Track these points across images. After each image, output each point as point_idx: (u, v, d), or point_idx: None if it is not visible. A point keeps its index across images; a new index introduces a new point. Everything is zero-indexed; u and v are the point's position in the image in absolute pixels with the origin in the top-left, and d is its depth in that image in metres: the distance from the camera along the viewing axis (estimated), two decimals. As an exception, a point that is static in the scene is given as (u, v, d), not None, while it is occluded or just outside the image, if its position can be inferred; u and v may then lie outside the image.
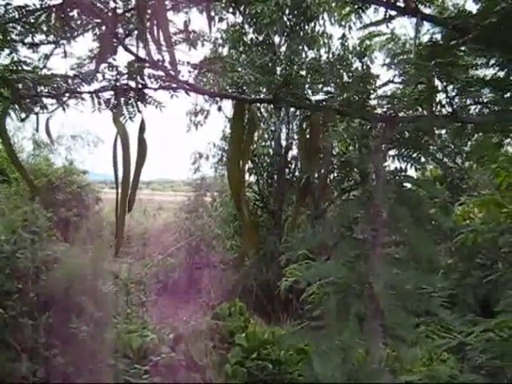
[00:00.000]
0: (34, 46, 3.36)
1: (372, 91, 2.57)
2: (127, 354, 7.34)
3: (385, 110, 2.45)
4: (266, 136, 13.37)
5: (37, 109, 3.81)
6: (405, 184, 2.20)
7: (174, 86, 2.85)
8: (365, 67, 13.06)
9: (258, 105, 13.72)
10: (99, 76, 2.94)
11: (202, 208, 16.59)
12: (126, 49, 2.75)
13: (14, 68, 3.04)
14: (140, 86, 2.89)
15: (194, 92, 2.82)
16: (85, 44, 3.22)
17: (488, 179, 8.11)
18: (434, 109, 2.59)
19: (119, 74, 2.88)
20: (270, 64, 11.42)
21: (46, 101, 3.72)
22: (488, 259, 8.66)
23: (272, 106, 13.49)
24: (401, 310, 1.88)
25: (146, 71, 2.84)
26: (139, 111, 2.96)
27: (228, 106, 13.81)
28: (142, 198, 22.04)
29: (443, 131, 3.41)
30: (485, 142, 3.75)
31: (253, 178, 13.82)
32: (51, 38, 3.32)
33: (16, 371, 5.93)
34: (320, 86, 2.93)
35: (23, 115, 3.86)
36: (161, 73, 2.83)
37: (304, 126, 2.87)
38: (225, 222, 13.89)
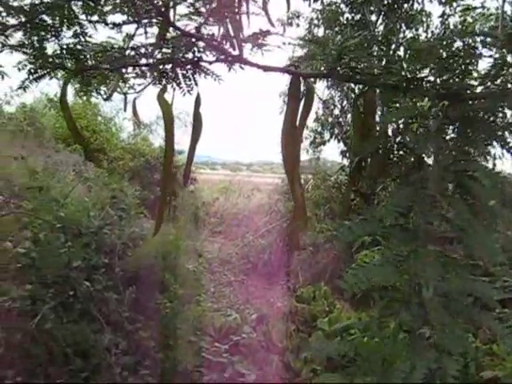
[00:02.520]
0: (116, 26, 3.39)
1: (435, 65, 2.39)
2: (209, 332, 7.43)
3: (448, 86, 2.27)
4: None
5: (125, 89, 3.87)
6: (469, 172, 1.99)
7: (230, 59, 2.77)
8: (466, 46, 12.46)
9: (353, 85, 13.46)
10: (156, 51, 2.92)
11: (295, 190, 16.51)
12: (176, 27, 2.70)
13: (78, 40, 3.06)
14: (196, 58, 2.84)
15: (249, 65, 2.73)
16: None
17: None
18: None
19: (175, 47, 2.84)
20: (366, 44, 11.11)
21: (133, 81, 3.77)
22: None
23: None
24: (451, 322, 1.72)
25: (202, 44, 2.79)
26: (196, 84, 2.91)
27: (321, 87, 13.63)
28: (240, 180, 22.27)
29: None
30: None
31: (346, 161, 13.60)
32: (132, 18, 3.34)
33: (99, 343, 6.11)
34: (418, 67, 2.76)
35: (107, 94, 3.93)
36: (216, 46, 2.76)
37: (358, 103, 2.72)
38: (316, 205, 13.75)
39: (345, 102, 13.32)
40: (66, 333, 5.93)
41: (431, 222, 1.88)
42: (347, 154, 13.43)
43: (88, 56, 3.12)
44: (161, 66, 2.98)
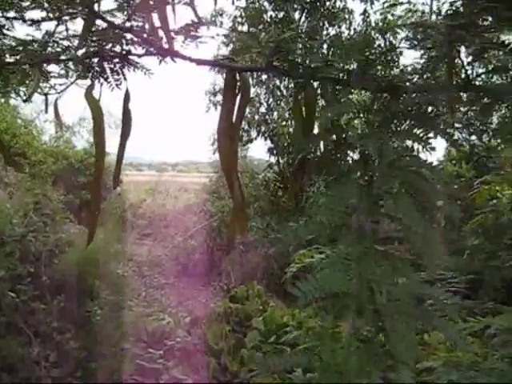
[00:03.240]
0: (35, 22, 3.19)
1: (376, 58, 2.34)
2: (142, 338, 7.24)
3: (390, 79, 2.22)
4: (287, 115, 13.11)
5: (46, 89, 3.66)
6: (413, 168, 1.93)
7: (161, 52, 2.64)
8: (387, 43, 12.71)
9: (278, 83, 13.49)
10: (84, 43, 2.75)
11: (223, 189, 16.46)
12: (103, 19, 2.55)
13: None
14: (124, 51, 2.69)
15: (180, 58, 2.60)
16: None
17: (515, 157, 7.81)
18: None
19: (102, 39, 2.68)
20: (289, 42, 11.13)
21: (54, 81, 3.57)
22: (516, 239, 8.40)
23: (292, 83, 13.28)
24: (404, 328, 1.65)
25: (130, 36, 2.64)
26: (125, 79, 2.77)
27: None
28: (167, 180, 22.00)
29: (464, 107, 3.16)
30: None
31: (273, 159, 13.63)
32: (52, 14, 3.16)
33: (27, 356, 5.85)
34: (340, 64, 2.70)
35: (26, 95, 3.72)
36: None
37: (299, 97, 2.64)
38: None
39: (271, 100, 13.32)
40: (-10, 348, 5.64)
41: (377, 221, 1.81)
42: (274, 152, 13.44)
43: (5, 51, 2.91)
44: (87, 60, 2.81)
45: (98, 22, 2.64)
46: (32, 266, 6.54)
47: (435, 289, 1.88)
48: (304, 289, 1.65)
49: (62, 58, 2.87)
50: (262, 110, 13.58)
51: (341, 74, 2.42)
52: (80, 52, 2.80)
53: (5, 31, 2.99)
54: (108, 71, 2.76)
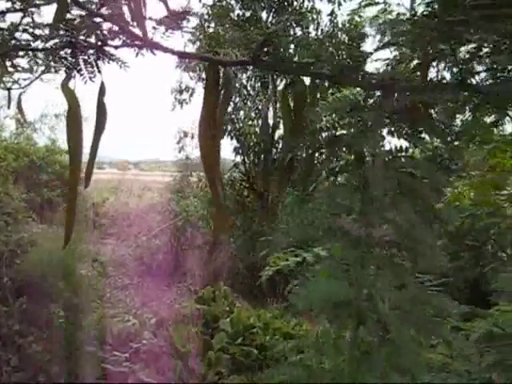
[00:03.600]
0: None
1: (368, 56, 2.26)
2: (107, 341, 7.07)
3: (382, 76, 2.15)
4: (253, 115, 13.04)
5: (8, 84, 3.51)
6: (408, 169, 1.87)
7: (138, 43, 2.53)
8: (355, 44, 12.72)
9: (245, 82, 13.40)
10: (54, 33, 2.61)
11: (189, 188, 16.32)
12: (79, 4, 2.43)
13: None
14: (100, 42, 2.56)
15: (160, 51, 2.49)
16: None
17: (478, 160, 7.86)
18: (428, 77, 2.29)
19: (75, 29, 2.55)
20: (278, 36, 11.05)
21: (18, 75, 3.42)
22: (477, 241, 8.49)
23: (259, 82, 13.20)
24: (410, 339, 1.58)
25: (106, 26, 2.52)
26: (99, 71, 2.64)
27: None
28: (129, 179, 21.73)
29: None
30: (478, 121, 3.47)
31: (239, 158, 13.54)
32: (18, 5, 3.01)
33: (-12, 360, 5.66)
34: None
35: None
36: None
37: (287, 94, 2.55)
38: (210, 203, 13.57)
39: (237, 99, 13.23)
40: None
41: (372, 225, 1.74)
42: (240, 151, 13.36)
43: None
44: (59, 51, 2.67)
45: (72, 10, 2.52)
46: (-7, 267, 6.35)
47: (437, 295, 1.82)
48: (303, 297, 1.58)
49: (33, 48, 2.73)
50: (229, 109, 13.47)
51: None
52: (51, 43, 2.67)
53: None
54: (81, 63, 2.63)
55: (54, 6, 2.93)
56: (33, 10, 3.03)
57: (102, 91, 2.56)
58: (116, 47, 2.57)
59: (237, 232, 12.96)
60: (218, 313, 8.01)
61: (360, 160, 1.83)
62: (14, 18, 3.13)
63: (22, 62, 3.28)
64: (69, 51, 2.65)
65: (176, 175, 17.38)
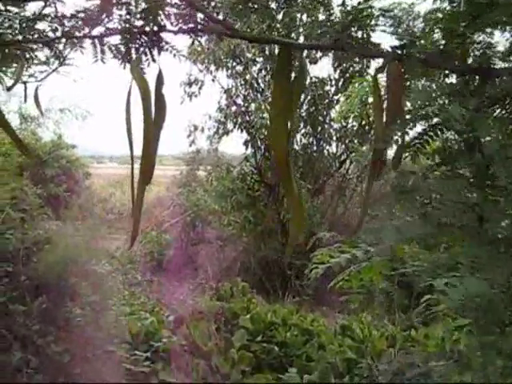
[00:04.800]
0: (21, 2, 2.85)
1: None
2: (126, 340, 6.90)
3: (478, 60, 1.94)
4: (263, 107, 12.84)
5: (25, 77, 3.35)
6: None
7: (201, 27, 2.33)
8: (365, 35, 12.48)
9: (255, 74, 13.22)
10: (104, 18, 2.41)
11: (196, 182, 16.16)
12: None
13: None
14: (156, 28, 2.36)
15: (227, 36, 2.30)
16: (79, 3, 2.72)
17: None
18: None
19: (130, 13, 2.34)
20: (266, 32, 10.88)
21: (34, 68, 3.26)
22: None
23: (270, 74, 13.00)
24: None
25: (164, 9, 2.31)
26: (153, 60, 2.44)
27: (223, 76, 13.31)
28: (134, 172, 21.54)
29: None
30: None
31: (249, 151, 13.37)
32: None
33: (8, 362, 5.47)
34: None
35: (10, 84, 3.39)
36: (183, 11, 2.30)
37: (377, 81, 2.33)
38: (221, 197, 13.41)
39: (249, 92, 13.05)
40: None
41: (497, 220, 1.54)
42: (251, 144, 13.20)
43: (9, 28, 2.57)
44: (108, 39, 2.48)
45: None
46: (9, 266, 6.15)
47: None
48: (453, 296, 1.39)
49: (80, 35, 2.53)
50: (239, 101, 13.30)
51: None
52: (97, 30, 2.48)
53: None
54: (133, 52, 2.43)
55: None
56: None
57: (159, 81, 2.35)
58: (175, 33, 2.37)
59: (248, 226, 12.79)
60: (237, 309, 7.84)
61: (472, 149, 1.63)
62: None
63: (40, 55, 3.11)
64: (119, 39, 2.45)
65: (182, 169, 17.23)
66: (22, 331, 5.87)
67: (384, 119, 2.21)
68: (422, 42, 2.18)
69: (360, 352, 6.53)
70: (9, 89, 3.47)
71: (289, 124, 2.18)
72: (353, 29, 2.25)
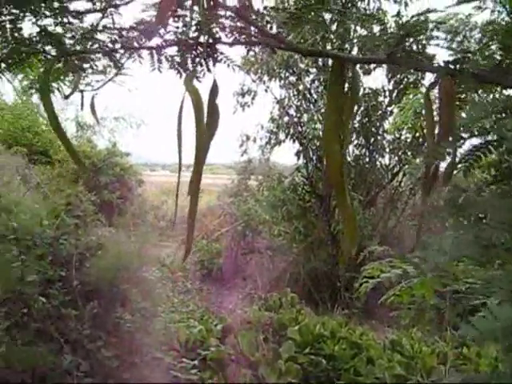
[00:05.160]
0: (79, 14, 2.92)
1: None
2: (174, 347, 6.95)
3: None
4: (316, 118, 12.79)
5: (82, 86, 3.42)
6: None
7: (255, 40, 2.33)
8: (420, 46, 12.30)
9: (308, 85, 13.19)
10: (161, 30, 2.45)
11: (247, 192, 16.21)
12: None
13: (60, 20, 2.57)
14: (211, 40, 2.38)
15: (280, 49, 2.30)
16: (135, 16, 2.78)
17: None
18: None
19: (186, 25, 2.37)
20: (320, 43, 10.86)
21: (91, 77, 3.33)
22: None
23: (322, 85, 12.93)
24: None
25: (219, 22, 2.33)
26: (209, 70, 2.46)
27: (276, 87, 13.33)
28: (183, 181, 21.77)
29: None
30: None
31: (301, 161, 13.34)
32: (98, 6, 2.89)
33: (59, 365, 5.57)
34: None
35: (67, 92, 3.47)
36: (237, 23, 2.31)
37: (429, 95, 2.29)
38: (272, 207, 13.41)
39: (301, 102, 13.04)
40: (21, 356, 5.36)
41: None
42: (303, 155, 13.17)
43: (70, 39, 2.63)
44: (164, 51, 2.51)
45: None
46: (63, 270, 6.27)
47: None
48: (482, 328, 1.34)
49: (137, 46, 2.57)
50: (291, 112, 13.30)
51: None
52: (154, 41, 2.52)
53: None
54: (189, 62, 2.46)
55: (133, 6, 2.80)
56: (112, 10, 2.90)
57: (214, 91, 2.36)
58: (230, 45, 2.38)
59: (298, 237, 12.75)
60: (286, 320, 7.79)
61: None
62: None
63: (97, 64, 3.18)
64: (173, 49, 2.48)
65: (234, 178, 17.31)
66: (74, 335, 5.97)
67: (436, 134, 2.17)
68: (477, 55, 2.13)
69: (410, 368, 6.41)
70: (66, 97, 3.55)
71: (342, 137, 2.16)
72: (408, 41, 2.20)
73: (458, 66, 2.09)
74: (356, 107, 12.70)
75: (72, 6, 2.90)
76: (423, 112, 2.49)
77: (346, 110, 2.19)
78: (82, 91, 3.40)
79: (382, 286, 4.91)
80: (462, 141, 2.07)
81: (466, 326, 1.41)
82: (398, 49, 2.18)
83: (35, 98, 13.76)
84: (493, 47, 2.31)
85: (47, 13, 2.50)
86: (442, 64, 2.16)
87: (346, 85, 2.23)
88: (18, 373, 5.27)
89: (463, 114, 2.15)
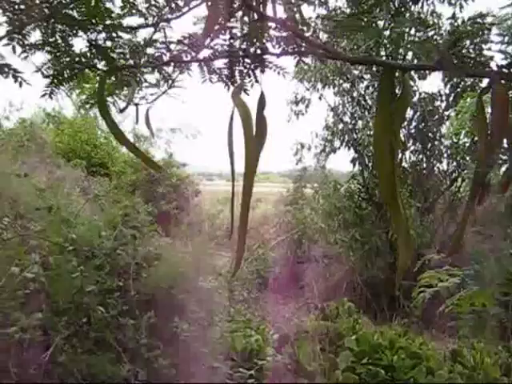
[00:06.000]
0: (132, 29, 2.98)
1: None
2: (231, 356, 6.96)
3: None
4: (371, 124, 12.67)
5: (136, 99, 3.47)
6: None
7: (302, 50, 2.32)
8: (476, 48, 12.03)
9: (362, 91, 13.08)
10: (209, 42, 2.46)
11: (302, 200, 16.16)
12: (246, 4, 2.24)
13: (109, 35, 2.62)
14: (259, 51, 2.37)
15: (328, 58, 2.28)
16: (187, 29, 2.81)
17: None
18: None
19: (233, 37, 2.38)
20: (373, 48, 10.76)
21: (145, 91, 3.37)
22: None
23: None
24: None
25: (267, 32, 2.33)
26: (257, 81, 2.45)
27: (329, 94, 13.28)
28: (238, 190, 21.89)
29: None
30: None
31: (357, 169, 13.23)
32: (150, 20, 2.94)
33: (117, 374, 5.65)
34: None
35: (122, 106, 3.53)
36: (284, 33, 2.30)
37: (482, 102, 2.22)
38: (328, 215, 13.33)
39: (356, 109, 12.94)
40: (81, 365, 5.47)
41: None
42: (358, 162, 13.05)
43: (120, 54, 2.68)
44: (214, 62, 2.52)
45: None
46: (121, 280, 6.37)
47: None
48: None
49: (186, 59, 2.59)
50: (346, 119, 13.21)
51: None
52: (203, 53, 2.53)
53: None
54: (237, 74, 2.46)
55: (184, 20, 2.83)
56: (164, 24, 2.94)
57: (261, 103, 2.35)
58: (278, 55, 2.37)
59: (355, 245, 12.62)
60: (343, 330, 7.71)
61: None
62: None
63: (150, 78, 3.22)
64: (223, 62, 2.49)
65: (290, 187, 17.29)
66: (131, 344, 6.05)
67: (489, 141, 2.09)
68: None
69: (471, 379, 6.24)
70: (121, 111, 3.61)
71: (393, 145, 2.10)
72: (461, 45, 2.14)
73: (511, 69, 2.02)
74: (412, 112, 12.53)
75: (125, 22, 2.96)
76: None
77: (396, 118, 2.14)
78: (136, 104, 3.45)
79: (441, 294, 4.80)
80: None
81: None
82: (447, 54, 2.12)
83: (93, 112, 14.09)
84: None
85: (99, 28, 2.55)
86: (496, 68, 2.09)
87: (397, 91, 2.18)
88: (78, 381, 5.36)
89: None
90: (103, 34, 2.58)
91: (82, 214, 7.03)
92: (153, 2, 2.74)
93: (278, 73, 2.44)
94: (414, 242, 11.45)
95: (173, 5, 2.70)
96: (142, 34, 3.03)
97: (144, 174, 15.89)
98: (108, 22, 2.54)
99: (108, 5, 2.75)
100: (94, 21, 2.49)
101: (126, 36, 2.69)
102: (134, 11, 2.85)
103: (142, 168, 15.81)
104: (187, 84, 3.08)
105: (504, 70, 2.05)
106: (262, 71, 2.42)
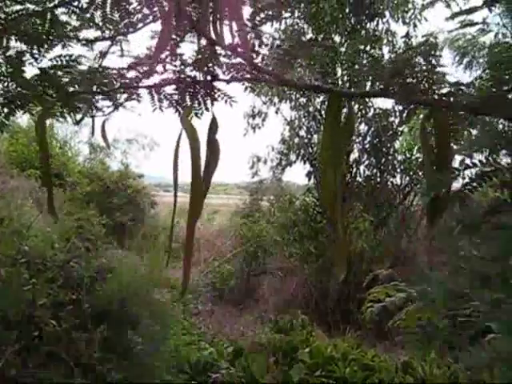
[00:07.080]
0: (89, 42, 3.01)
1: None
2: (185, 369, 6.94)
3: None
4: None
5: (92, 111, 3.48)
6: None
7: (251, 76, 2.38)
8: (430, 66, 12.28)
9: (318, 106, 13.23)
10: (159, 68, 2.50)
11: (259, 213, 16.22)
12: (196, 30, 2.29)
13: (60, 63, 2.64)
14: (209, 77, 2.43)
15: (277, 85, 2.34)
16: (143, 43, 2.85)
17: None
18: None
19: (184, 64, 2.43)
20: (329, 64, 10.93)
21: (102, 103, 3.39)
22: None
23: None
24: None
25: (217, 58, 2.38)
26: (207, 109, 2.51)
27: (286, 108, 13.40)
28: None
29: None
30: None
31: (312, 182, 13.35)
32: (107, 33, 2.98)
33: (69, 388, 5.58)
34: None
35: (78, 117, 3.54)
36: (234, 60, 2.36)
37: (426, 127, 2.31)
38: (284, 228, 13.40)
39: (311, 123, 13.08)
40: (32, 379, 5.39)
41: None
42: (314, 175, 13.17)
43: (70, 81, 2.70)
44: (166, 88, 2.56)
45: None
46: (73, 293, 6.31)
47: None
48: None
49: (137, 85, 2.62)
50: (302, 133, 13.34)
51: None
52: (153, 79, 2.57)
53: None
54: (187, 99, 2.50)
55: (141, 34, 2.87)
56: (121, 38, 2.98)
57: (213, 128, 2.41)
58: (227, 82, 2.43)
59: (310, 258, 12.71)
60: (297, 342, 7.77)
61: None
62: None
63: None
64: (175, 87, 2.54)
65: (246, 199, 17.34)
66: (84, 358, 5.99)
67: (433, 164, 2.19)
68: (471, 88, 2.15)
69: (420, 390, 6.37)
70: (77, 123, 3.63)
71: (336, 168, 2.19)
72: (408, 71, 2.24)
73: (451, 98, 2.12)
74: (366, 128, 12.73)
75: (82, 35, 2.99)
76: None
77: (341, 142, 2.22)
78: (92, 117, 3.47)
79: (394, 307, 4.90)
80: (457, 173, 2.09)
81: (465, 354, 1.42)
82: (392, 82, 2.21)
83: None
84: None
85: (47, 56, 2.57)
86: (436, 97, 2.19)
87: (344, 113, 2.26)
88: (29, 396, 5.29)
89: (463, 143, 2.18)
90: (54, 62, 2.59)
91: (35, 226, 6.94)
92: (109, 17, 2.79)
93: (226, 101, 2.49)
94: (365, 255, 11.64)
95: (126, 21, 2.75)
96: (99, 47, 3.07)
97: (99, 185, 15.74)
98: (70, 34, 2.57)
99: (64, 18, 2.79)
100: (49, 36, 2.51)
101: (76, 65, 2.72)
102: (90, 24, 2.89)
103: (98, 179, 15.68)
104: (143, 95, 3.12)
105: (444, 98, 2.15)
106: (212, 103, 2.48)
